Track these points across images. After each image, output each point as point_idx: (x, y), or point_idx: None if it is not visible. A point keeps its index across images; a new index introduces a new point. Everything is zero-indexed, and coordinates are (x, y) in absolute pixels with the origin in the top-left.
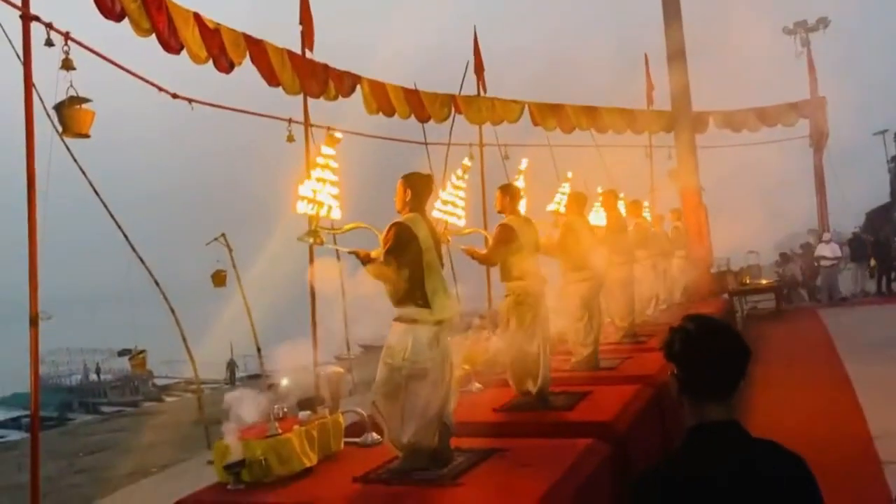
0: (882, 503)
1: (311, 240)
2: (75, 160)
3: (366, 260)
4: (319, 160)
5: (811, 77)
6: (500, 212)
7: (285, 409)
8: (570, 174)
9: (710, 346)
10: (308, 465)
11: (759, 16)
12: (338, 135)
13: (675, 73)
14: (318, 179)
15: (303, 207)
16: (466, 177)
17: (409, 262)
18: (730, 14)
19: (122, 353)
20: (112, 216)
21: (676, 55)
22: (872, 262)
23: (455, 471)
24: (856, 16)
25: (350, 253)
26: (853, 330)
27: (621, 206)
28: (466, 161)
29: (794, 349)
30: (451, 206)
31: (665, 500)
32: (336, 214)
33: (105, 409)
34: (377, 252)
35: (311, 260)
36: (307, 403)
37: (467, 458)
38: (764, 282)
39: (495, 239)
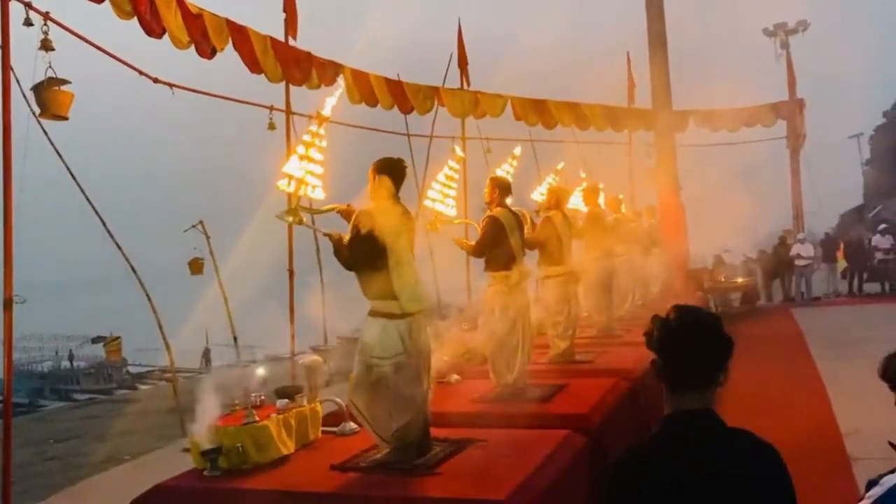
0: (851, 499)
1: (290, 218)
2: (52, 143)
3: (339, 245)
4: (306, 138)
5: (790, 79)
6: (488, 203)
7: (263, 397)
8: (560, 166)
9: (689, 337)
10: (285, 452)
11: (740, 17)
12: (326, 112)
13: (655, 72)
14: (303, 157)
15: (285, 185)
16: (457, 167)
17: (373, 254)
18: (711, 15)
19: (95, 339)
20: (88, 200)
21: (658, 54)
22: (843, 263)
23: (432, 460)
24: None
25: (325, 235)
26: (825, 329)
27: (601, 202)
28: (459, 151)
29: (767, 347)
30: (441, 196)
31: (638, 485)
32: (318, 195)
33: (77, 396)
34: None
35: (290, 249)
36: (285, 392)
37: (444, 447)
38: (739, 280)
39: (483, 231)
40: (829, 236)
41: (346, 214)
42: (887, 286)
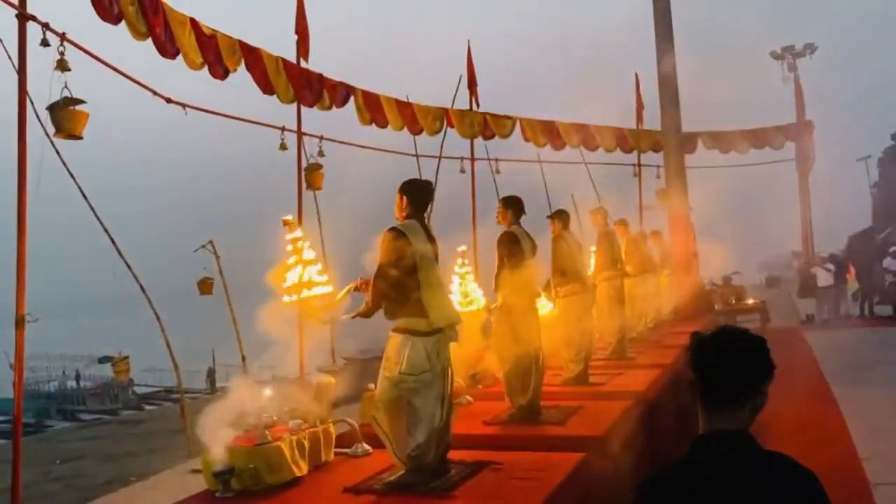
0: None
1: (314, 322)
2: (63, 163)
3: (364, 288)
4: (288, 248)
5: (798, 101)
6: (500, 223)
7: (275, 418)
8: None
9: (725, 354)
10: (298, 474)
11: (749, 40)
12: (290, 217)
13: (665, 94)
14: (299, 262)
15: (289, 299)
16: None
17: (404, 270)
18: (720, 37)
19: (102, 359)
20: (99, 220)
21: (667, 76)
22: (854, 285)
23: (448, 483)
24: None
25: (350, 292)
26: (838, 351)
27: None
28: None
29: (781, 369)
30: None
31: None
32: (327, 290)
33: (83, 416)
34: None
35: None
36: (298, 412)
37: (460, 470)
38: (750, 301)
39: (501, 246)
40: (838, 258)
41: (363, 287)
42: None
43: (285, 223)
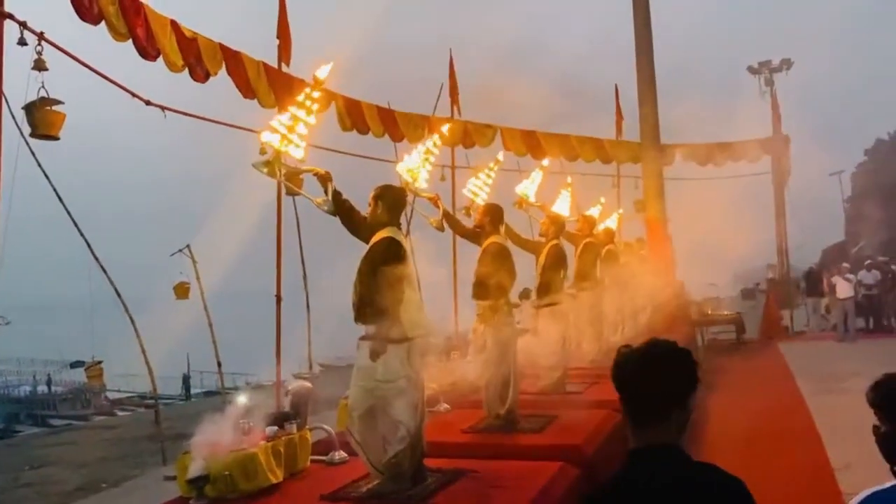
0: None
1: (265, 169)
2: (39, 164)
3: (326, 179)
4: (300, 98)
5: (775, 115)
6: (477, 227)
7: (251, 424)
8: (569, 179)
9: (643, 368)
10: (274, 481)
11: (727, 54)
12: (321, 75)
13: (644, 106)
14: (294, 116)
15: (268, 137)
16: (440, 144)
17: (389, 277)
18: (699, 52)
19: (74, 364)
20: (74, 223)
21: (646, 89)
22: (827, 299)
23: (425, 491)
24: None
25: (309, 171)
26: (812, 363)
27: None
28: (445, 129)
29: (755, 380)
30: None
31: None
32: (298, 154)
33: (54, 422)
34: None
35: (279, 275)
36: (274, 419)
37: (437, 478)
38: (725, 313)
39: (493, 258)
40: (812, 271)
41: (323, 180)
42: (871, 321)
43: (315, 80)
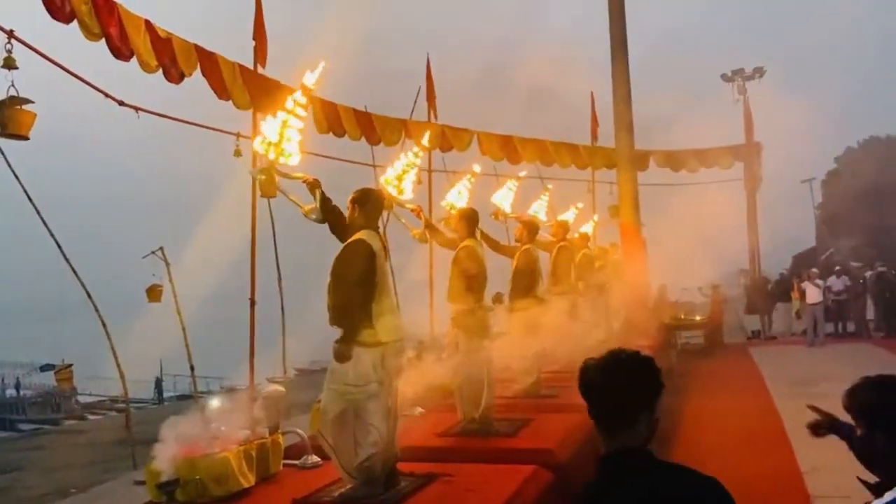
0: None
1: (263, 176)
2: (8, 163)
3: (314, 186)
4: (288, 105)
5: (747, 123)
6: (453, 230)
7: (223, 428)
8: (549, 185)
9: (605, 375)
10: (245, 485)
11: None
12: (308, 83)
13: (619, 112)
14: (285, 123)
15: (259, 146)
16: (421, 154)
17: (361, 281)
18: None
19: (44, 367)
20: (44, 222)
21: (621, 95)
22: (797, 303)
23: (398, 495)
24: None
25: (298, 178)
26: (782, 368)
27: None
28: (425, 141)
29: (725, 384)
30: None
31: None
32: (294, 161)
33: (23, 426)
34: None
35: (253, 278)
36: (246, 423)
37: (411, 482)
38: (698, 318)
39: (468, 262)
40: (783, 277)
41: (311, 187)
42: (841, 326)
43: (302, 86)
